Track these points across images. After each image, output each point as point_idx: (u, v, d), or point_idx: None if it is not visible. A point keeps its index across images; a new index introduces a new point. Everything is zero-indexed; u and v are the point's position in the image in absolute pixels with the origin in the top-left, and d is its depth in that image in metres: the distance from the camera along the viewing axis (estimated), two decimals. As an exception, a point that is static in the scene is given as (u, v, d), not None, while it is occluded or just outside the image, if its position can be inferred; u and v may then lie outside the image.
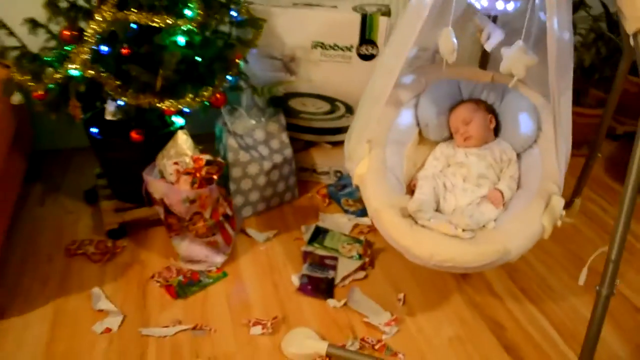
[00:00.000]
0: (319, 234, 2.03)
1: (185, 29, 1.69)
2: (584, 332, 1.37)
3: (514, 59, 1.39)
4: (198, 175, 1.72)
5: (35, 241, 1.95)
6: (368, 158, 1.60)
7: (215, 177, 1.75)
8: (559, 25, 1.32)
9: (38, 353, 1.53)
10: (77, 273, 1.82)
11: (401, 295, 1.80)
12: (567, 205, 2.07)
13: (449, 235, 1.43)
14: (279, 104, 2.21)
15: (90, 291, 1.74)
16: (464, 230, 1.45)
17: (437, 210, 1.62)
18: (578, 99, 2.60)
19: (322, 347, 1.56)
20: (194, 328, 1.63)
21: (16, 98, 1.80)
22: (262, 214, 2.16)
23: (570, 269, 1.95)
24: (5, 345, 1.55)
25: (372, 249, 1.97)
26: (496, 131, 1.78)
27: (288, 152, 2.17)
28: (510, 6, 1.53)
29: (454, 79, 1.86)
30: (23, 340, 1.57)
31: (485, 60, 1.99)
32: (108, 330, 1.61)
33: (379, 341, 1.62)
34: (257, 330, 1.63)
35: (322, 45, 2.10)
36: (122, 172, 1.97)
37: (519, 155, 1.73)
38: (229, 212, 1.88)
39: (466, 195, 1.61)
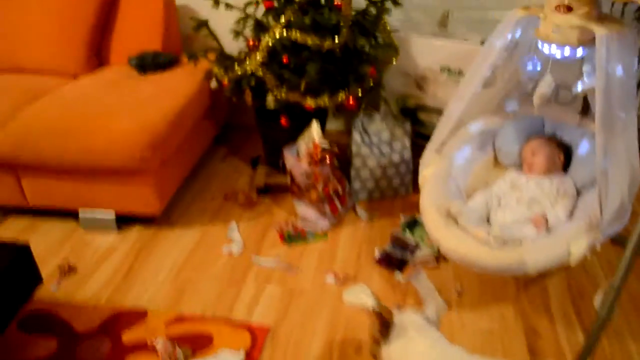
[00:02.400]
0: (413, 224, 2.42)
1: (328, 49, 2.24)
2: None
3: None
4: (315, 157, 2.26)
5: (207, 184, 2.72)
6: (435, 165, 1.97)
7: (327, 160, 2.27)
8: (612, 61, 1.52)
9: (182, 255, 2.25)
10: (226, 211, 2.52)
11: (459, 288, 2.10)
12: None
13: (480, 239, 1.74)
14: (409, 114, 2.64)
15: (229, 224, 2.42)
16: (495, 239, 1.74)
17: (487, 222, 1.91)
18: None
19: (370, 302, 1.97)
20: (287, 266, 2.19)
21: (213, 84, 2.56)
22: (375, 200, 2.62)
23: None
24: (164, 244, 2.31)
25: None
26: (566, 167, 1.97)
27: (407, 154, 2.58)
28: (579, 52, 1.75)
29: (540, 116, 2.09)
30: (176, 244, 2.31)
31: (586, 105, 2.15)
32: (230, 252, 2.26)
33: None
34: (330, 279, 2.12)
35: (449, 70, 2.47)
36: (274, 147, 2.61)
37: (580, 192, 1.91)
38: (340, 191, 2.40)
39: (514, 214, 1.87)
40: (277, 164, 2.61)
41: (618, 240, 2.01)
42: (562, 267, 2.12)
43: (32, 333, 1.86)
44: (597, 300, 1.54)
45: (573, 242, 1.64)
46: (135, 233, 2.39)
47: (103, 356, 1.78)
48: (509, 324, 1.94)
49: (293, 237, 2.35)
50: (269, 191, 2.64)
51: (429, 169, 1.97)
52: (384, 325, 1.47)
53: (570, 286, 2.09)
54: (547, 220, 1.80)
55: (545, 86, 1.78)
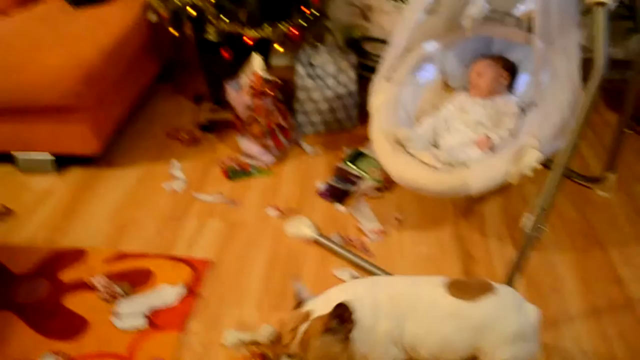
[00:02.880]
0: (357, 157, 2.42)
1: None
2: (548, 283, 1.70)
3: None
4: (256, 88, 2.22)
5: (150, 123, 2.66)
6: (384, 92, 1.95)
7: (268, 92, 2.23)
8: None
9: (123, 194, 2.23)
10: (168, 149, 2.48)
11: (399, 215, 2.14)
12: (598, 180, 2.21)
13: (427, 163, 1.76)
14: (354, 45, 2.59)
15: (172, 161, 2.39)
16: (442, 163, 1.76)
17: (435, 145, 1.92)
18: None
19: (311, 233, 2.01)
20: (230, 201, 2.19)
21: (151, 16, 2.46)
22: (321, 134, 2.61)
23: (574, 234, 2.05)
24: (105, 184, 2.28)
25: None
26: (512, 87, 1.98)
27: (353, 86, 2.56)
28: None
29: (488, 36, 2.08)
30: (117, 184, 2.28)
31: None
32: (173, 189, 2.24)
33: (360, 242, 2.01)
34: (272, 212, 2.13)
35: (394, -2, 2.41)
36: (217, 83, 2.55)
37: (524, 110, 1.92)
38: (284, 124, 2.37)
39: (460, 136, 1.89)
40: (220, 101, 2.57)
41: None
42: (500, 191, 2.19)
43: (-33, 276, 1.84)
44: (526, 220, 1.58)
45: (514, 161, 1.67)
46: (74, 174, 2.34)
47: (41, 296, 1.78)
48: (446, 248, 2.00)
49: (237, 172, 2.33)
50: (212, 128, 2.60)
51: (379, 97, 1.96)
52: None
53: (506, 211, 2.15)
54: (491, 142, 1.83)
55: (474, 8, 1.77)
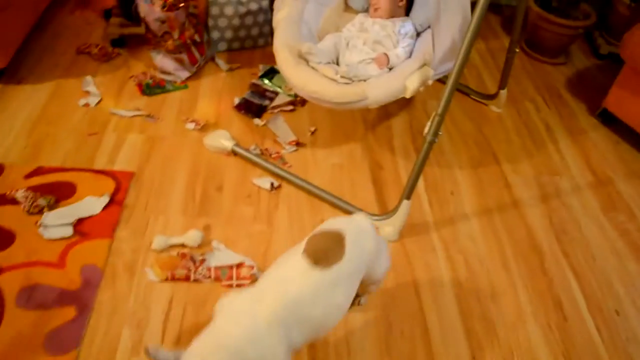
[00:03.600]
0: (272, 73, 2.51)
1: None
2: (447, 187, 1.93)
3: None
4: (168, 1, 2.21)
5: (57, 39, 2.58)
6: (288, 7, 2.02)
7: (180, 4, 2.23)
8: None
9: (36, 110, 2.19)
10: (79, 65, 2.44)
11: (313, 129, 2.28)
12: (493, 97, 2.43)
13: (328, 77, 1.87)
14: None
15: (84, 78, 2.35)
16: (343, 78, 1.88)
17: (336, 63, 2.04)
18: (568, 11, 2.72)
19: (229, 145, 2.10)
20: (147, 115, 2.22)
21: None
22: (235, 51, 2.65)
23: (471, 145, 2.30)
24: (15, 100, 2.23)
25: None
26: (409, 11, 2.11)
27: (265, 2, 2.59)
28: None
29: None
30: (28, 100, 2.24)
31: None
32: (87, 105, 2.23)
33: (277, 153, 2.14)
34: (190, 125, 2.20)
35: None
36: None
37: (419, 34, 2.08)
38: (197, 39, 2.39)
39: (360, 54, 2.01)
40: (131, 15, 2.51)
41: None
42: (405, 107, 2.38)
43: None
44: (427, 127, 1.76)
45: (409, 77, 1.82)
46: (-20, 90, 2.27)
47: (-40, 211, 1.77)
48: (357, 159, 2.18)
49: (152, 88, 2.35)
50: (124, 43, 2.56)
51: (282, 12, 2.02)
52: None
53: (412, 126, 2.35)
54: (388, 60, 1.97)
55: None
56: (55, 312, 1.54)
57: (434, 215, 1.96)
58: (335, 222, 1.33)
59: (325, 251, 1.25)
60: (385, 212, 1.88)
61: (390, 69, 1.98)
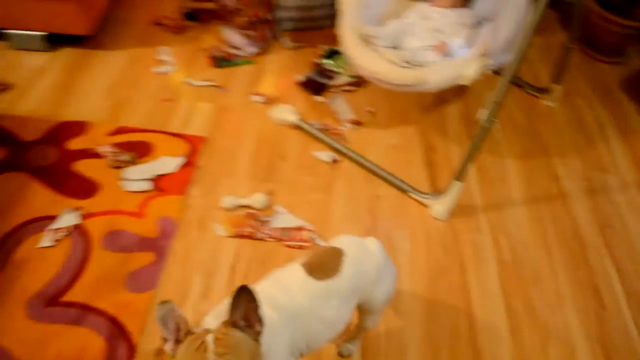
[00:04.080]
0: (334, 54, 2.62)
1: None
2: (496, 174, 2.09)
3: None
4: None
5: (135, 10, 2.75)
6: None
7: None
8: None
9: (115, 75, 2.38)
10: (155, 36, 2.61)
11: (371, 109, 2.39)
12: (547, 91, 2.50)
13: (390, 60, 1.98)
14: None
15: (159, 47, 2.53)
16: (403, 62, 1.99)
17: (397, 48, 2.14)
18: (627, 9, 2.73)
19: (294, 119, 2.24)
20: (217, 86, 2.38)
21: None
22: (300, 30, 2.77)
23: (522, 136, 2.37)
24: (97, 64, 2.42)
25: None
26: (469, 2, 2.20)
27: (332, -15, 2.70)
28: None
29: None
30: (109, 65, 2.43)
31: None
32: (161, 73, 2.40)
33: (336, 129, 2.27)
34: (257, 98, 2.35)
35: None
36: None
37: (478, 24, 2.16)
38: (266, 17, 2.53)
39: (420, 41, 2.11)
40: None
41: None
42: (460, 95, 2.47)
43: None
44: (481, 113, 1.85)
45: (467, 66, 1.92)
46: (67, 53, 2.45)
47: (52, 161, 1.96)
48: (411, 140, 2.29)
49: (222, 60, 2.50)
50: (197, 17, 2.71)
51: (348, -1, 2.13)
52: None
53: (465, 114, 2.44)
54: (447, 48, 2.06)
55: None
56: (136, 256, 1.72)
57: (483, 199, 2.07)
58: (343, 241, 1.33)
59: (322, 264, 1.25)
60: (436, 192, 1.99)
61: (449, 57, 2.08)
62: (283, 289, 1.20)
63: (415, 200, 2.02)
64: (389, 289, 1.37)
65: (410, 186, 2.03)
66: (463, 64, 1.91)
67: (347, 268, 1.25)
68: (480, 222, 1.99)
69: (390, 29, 2.12)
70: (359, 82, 2.48)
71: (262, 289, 1.15)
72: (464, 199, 2.04)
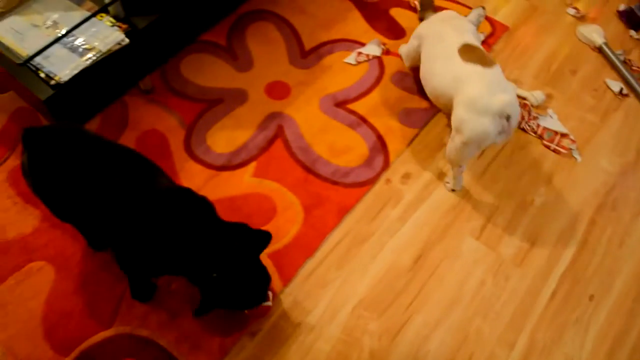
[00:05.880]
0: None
1: None
2: None
3: None
4: None
5: None
6: None
7: None
8: None
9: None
10: None
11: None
12: None
13: None
14: None
15: None
16: None
17: None
18: None
19: (599, 41, 2.22)
20: None
21: None
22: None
23: None
24: None
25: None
26: None
27: None
28: None
29: None
30: None
31: None
32: None
33: (639, 67, 2.19)
34: (571, 11, 2.36)
35: None
36: None
37: None
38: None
39: None
40: None
41: None
42: None
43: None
44: None
45: None
46: None
47: (376, 0, 2.26)
48: None
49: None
50: None
51: None
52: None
53: None
54: None
55: None
56: (414, 98, 1.97)
57: None
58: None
59: (476, 52, 1.60)
60: None
61: None
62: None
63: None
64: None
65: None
66: None
67: (471, 67, 1.56)
68: None
69: None
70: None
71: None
72: None
